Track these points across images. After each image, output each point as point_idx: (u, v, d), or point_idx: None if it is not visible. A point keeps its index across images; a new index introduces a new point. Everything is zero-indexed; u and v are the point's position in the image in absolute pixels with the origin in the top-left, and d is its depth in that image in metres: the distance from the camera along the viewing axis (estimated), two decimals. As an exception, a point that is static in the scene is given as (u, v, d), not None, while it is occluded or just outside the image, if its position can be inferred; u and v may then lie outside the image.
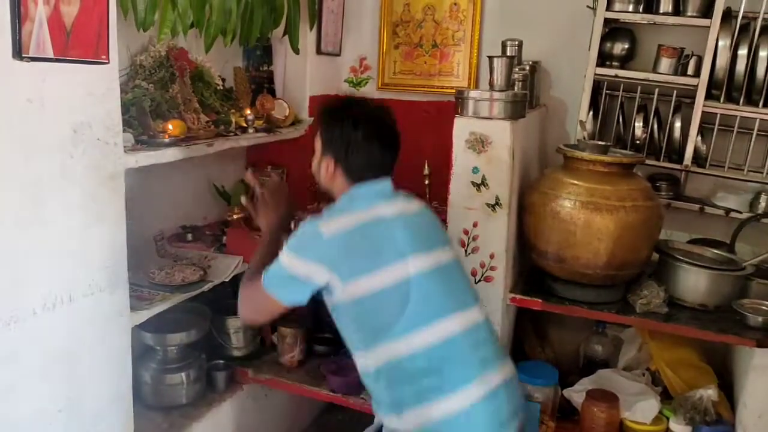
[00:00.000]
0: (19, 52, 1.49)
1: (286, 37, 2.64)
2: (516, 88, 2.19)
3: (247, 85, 2.73)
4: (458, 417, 1.44)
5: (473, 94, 2.05)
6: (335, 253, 1.51)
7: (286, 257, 1.56)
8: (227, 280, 2.33)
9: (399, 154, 1.68)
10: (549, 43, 2.66)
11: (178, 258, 2.44)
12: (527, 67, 2.42)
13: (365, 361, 1.55)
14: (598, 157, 2.02)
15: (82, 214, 1.75)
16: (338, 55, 3.01)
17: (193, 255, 2.46)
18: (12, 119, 1.53)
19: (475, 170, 2.04)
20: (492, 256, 2.07)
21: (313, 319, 2.68)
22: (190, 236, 2.56)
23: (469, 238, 2.08)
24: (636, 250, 2.02)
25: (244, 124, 2.49)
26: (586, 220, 1.96)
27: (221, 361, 2.56)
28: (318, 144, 1.69)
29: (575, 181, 2.02)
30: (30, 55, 1.52)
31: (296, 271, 1.54)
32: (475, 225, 2.07)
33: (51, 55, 1.57)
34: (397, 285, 1.49)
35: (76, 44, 1.63)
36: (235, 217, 2.62)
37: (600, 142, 2.11)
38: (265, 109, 2.64)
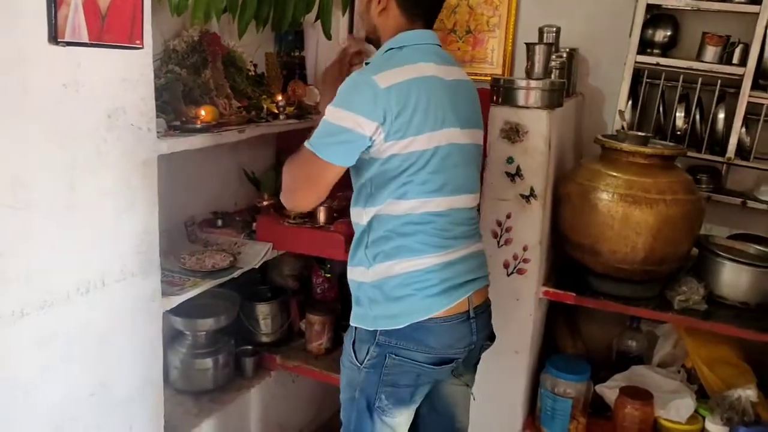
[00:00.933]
0: (54, 36, 1.49)
1: (319, 22, 2.61)
2: (553, 76, 2.14)
3: (278, 70, 2.71)
4: (415, 271, 1.52)
5: (509, 82, 2.00)
6: (390, 107, 1.43)
7: (333, 112, 1.47)
8: (257, 266, 2.33)
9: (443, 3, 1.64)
10: (587, 29, 2.58)
11: (209, 244, 2.45)
12: (564, 55, 2.36)
13: (360, 216, 1.58)
14: (638, 148, 1.96)
15: (115, 200, 1.75)
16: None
17: (224, 241, 2.47)
18: (47, 104, 1.53)
19: (510, 160, 1.99)
20: (525, 249, 2.03)
21: (342, 307, 2.68)
22: (220, 222, 2.57)
23: (501, 230, 2.04)
24: (675, 245, 1.96)
25: (276, 111, 2.47)
26: (625, 213, 1.91)
27: (250, 347, 2.58)
28: None
29: (614, 173, 1.96)
30: (66, 40, 1.52)
31: (345, 125, 1.45)
32: (508, 216, 2.03)
33: (86, 40, 1.57)
34: (424, 152, 1.48)
35: (111, 29, 1.63)
36: (265, 203, 2.61)
37: (640, 133, 2.05)
38: (297, 95, 2.62)
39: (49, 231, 1.58)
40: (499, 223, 2.04)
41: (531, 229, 2.01)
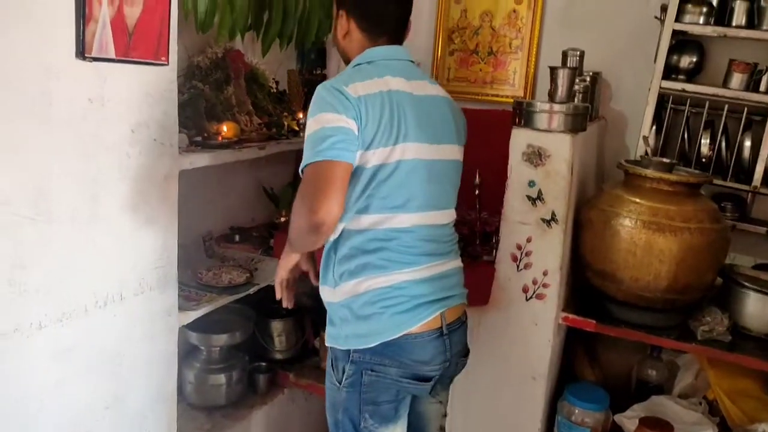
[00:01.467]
0: (82, 52, 1.51)
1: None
2: (576, 99, 2.12)
3: (300, 88, 2.73)
4: (381, 289, 1.48)
5: (533, 105, 1.98)
6: (362, 115, 1.42)
7: (313, 123, 1.42)
8: (273, 283, 2.32)
9: (410, 15, 1.63)
10: (610, 53, 2.57)
11: (226, 259, 2.45)
12: (587, 78, 2.34)
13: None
14: (663, 175, 1.93)
15: (135, 214, 1.76)
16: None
17: (240, 257, 2.47)
18: (73, 118, 1.54)
19: (532, 184, 1.97)
20: (545, 273, 2.00)
21: (357, 327, 2.65)
22: (237, 237, 2.57)
23: (521, 254, 2.02)
24: (700, 274, 1.92)
25: (296, 128, 2.48)
26: (648, 240, 1.88)
27: (263, 364, 2.56)
28: (334, 5, 1.65)
29: (637, 199, 1.94)
30: (93, 56, 1.54)
31: (331, 125, 1.40)
32: (528, 240, 2.00)
33: (113, 56, 1.59)
34: (385, 165, 1.46)
35: (138, 45, 1.64)
36: (282, 220, 2.62)
37: (665, 160, 2.02)
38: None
39: (69, 243, 1.59)
40: (519, 247, 2.02)
41: (551, 253, 1.98)
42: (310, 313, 2.76)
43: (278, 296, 1.73)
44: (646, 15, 2.46)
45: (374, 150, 1.46)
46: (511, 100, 2.76)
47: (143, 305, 1.84)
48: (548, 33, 2.72)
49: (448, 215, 1.63)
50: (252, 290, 2.24)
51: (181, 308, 1.99)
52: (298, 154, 2.78)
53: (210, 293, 2.15)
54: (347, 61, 1.65)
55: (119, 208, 1.71)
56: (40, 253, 1.52)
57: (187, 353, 2.35)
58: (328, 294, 1.60)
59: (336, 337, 1.58)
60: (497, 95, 2.83)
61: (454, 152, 1.64)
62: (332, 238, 1.54)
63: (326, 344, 1.62)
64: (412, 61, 1.66)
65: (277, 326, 2.60)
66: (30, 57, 1.42)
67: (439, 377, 1.59)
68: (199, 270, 2.28)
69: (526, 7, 2.71)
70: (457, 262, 1.67)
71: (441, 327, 1.55)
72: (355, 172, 1.46)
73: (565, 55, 2.32)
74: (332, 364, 1.61)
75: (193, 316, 2.03)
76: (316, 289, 2.78)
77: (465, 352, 1.67)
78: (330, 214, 1.35)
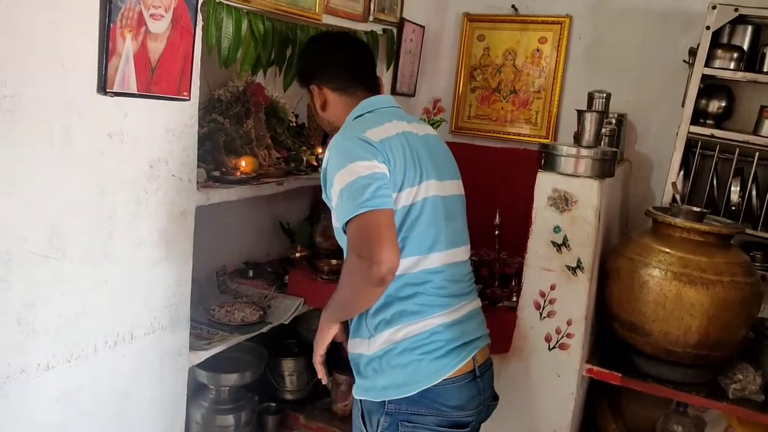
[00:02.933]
0: (104, 87, 1.48)
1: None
2: (602, 143, 2.07)
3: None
4: (419, 335, 1.46)
5: (558, 148, 1.93)
6: (389, 158, 1.41)
7: (342, 175, 1.37)
8: (286, 323, 2.26)
9: (375, 67, 1.68)
10: (636, 95, 2.53)
11: (239, 295, 2.40)
12: (613, 121, 2.29)
13: None
14: (694, 224, 1.87)
15: (150, 251, 1.72)
16: (412, 95, 2.95)
17: (254, 293, 2.41)
18: (92, 153, 1.51)
19: (557, 230, 1.91)
20: (569, 323, 1.93)
21: (370, 368, 2.57)
22: (251, 273, 2.52)
23: (545, 301, 1.95)
24: (732, 329, 1.85)
25: (315, 163, 2.44)
26: (678, 293, 1.81)
27: (273, 404, 2.49)
28: (306, 93, 1.70)
29: (666, 249, 1.87)
30: (114, 90, 1.51)
31: (362, 173, 1.35)
32: (552, 287, 1.94)
33: (134, 91, 1.56)
34: (414, 205, 1.45)
35: (160, 80, 1.62)
36: (297, 255, 2.56)
37: (695, 208, 1.95)
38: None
39: (81, 281, 1.55)
40: (543, 294, 1.95)
41: (576, 302, 1.91)
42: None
43: (320, 376, 1.68)
44: (673, 58, 2.42)
45: (401, 191, 1.45)
46: (533, 140, 2.73)
47: (154, 345, 1.79)
48: (572, 73, 2.69)
49: (466, 251, 1.62)
50: (265, 329, 2.18)
51: (191, 347, 1.93)
52: (315, 190, 2.78)
53: (222, 331, 2.09)
54: (335, 131, 1.60)
55: (134, 245, 1.67)
56: (51, 292, 1.48)
57: (194, 391, 2.28)
58: (361, 346, 1.54)
59: (369, 389, 1.52)
60: (519, 134, 2.79)
61: (459, 187, 1.65)
62: None
63: (356, 396, 1.56)
64: (399, 107, 1.66)
65: (288, 365, 2.53)
66: (51, 91, 1.40)
67: (475, 424, 1.54)
68: (212, 306, 2.22)
69: (550, 47, 2.68)
70: (478, 301, 1.64)
71: (474, 370, 1.51)
72: None
73: (591, 96, 2.27)
74: (364, 418, 1.54)
75: (203, 356, 1.96)
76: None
77: (495, 396, 1.62)
78: (392, 262, 1.32)
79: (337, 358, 2.71)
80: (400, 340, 1.46)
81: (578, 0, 2.63)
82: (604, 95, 2.28)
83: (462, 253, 1.58)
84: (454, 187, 1.60)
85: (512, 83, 2.78)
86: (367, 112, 1.56)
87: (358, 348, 1.54)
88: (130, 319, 1.70)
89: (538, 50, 2.71)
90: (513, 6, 2.73)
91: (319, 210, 2.79)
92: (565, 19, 2.65)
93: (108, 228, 1.59)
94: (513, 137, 2.81)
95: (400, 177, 1.43)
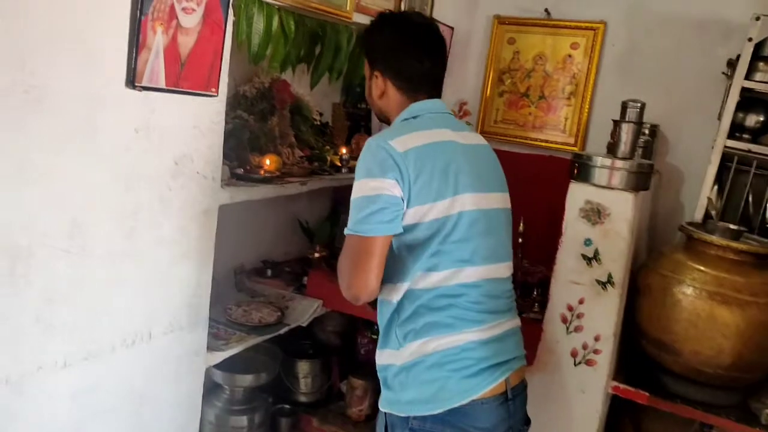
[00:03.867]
0: (132, 80, 1.45)
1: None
2: (636, 154, 2.01)
3: (344, 121, 2.66)
4: (450, 350, 1.41)
5: (593, 159, 1.88)
6: (410, 171, 1.37)
7: (359, 186, 1.40)
8: (304, 325, 2.22)
9: (444, 71, 1.60)
10: (670, 105, 2.47)
11: (256, 294, 2.37)
12: (646, 131, 2.23)
13: (389, 293, 1.46)
14: (731, 243, 1.80)
15: (171, 249, 1.69)
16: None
17: (271, 293, 2.38)
18: (118, 148, 1.48)
19: (588, 242, 1.86)
20: (597, 339, 1.87)
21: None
22: (269, 272, 2.49)
23: (572, 315, 1.90)
24: (766, 352, 1.78)
25: (338, 163, 2.40)
26: (712, 312, 1.75)
27: (287, 406, 2.46)
28: (366, 66, 1.61)
29: (701, 267, 1.81)
30: (143, 85, 1.47)
31: (375, 192, 1.37)
32: (581, 302, 1.88)
33: (163, 86, 1.52)
34: (448, 218, 1.41)
35: (189, 76, 1.58)
36: (316, 255, 2.52)
37: (732, 226, 1.89)
38: (360, 148, 2.54)
39: (101, 279, 1.52)
40: (570, 308, 1.90)
41: (605, 318, 1.86)
42: (339, 354, 2.66)
43: None
44: (710, 68, 2.36)
45: (432, 204, 1.40)
46: (561, 147, 2.68)
47: (171, 345, 1.76)
48: (604, 81, 2.63)
49: (508, 268, 1.56)
50: (282, 331, 2.15)
51: (209, 348, 1.90)
52: (336, 189, 2.74)
53: (239, 332, 2.06)
54: (385, 120, 1.62)
55: (156, 242, 1.63)
56: (70, 289, 1.45)
57: (208, 391, 2.25)
58: (389, 356, 1.49)
59: (394, 402, 1.47)
60: (546, 141, 2.74)
61: (505, 200, 1.59)
62: (395, 298, 1.46)
63: (381, 408, 1.51)
64: (450, 113, 1.62)
65: (303, 367, 2.50)
66: (78, 83, 1.36)
67: None
68: (229, 305, 2.19)
69: (582, 53, 2.62)
70: (517, 321, 1.58)
71: (506, 392, 1.45)
72: (414, 229, 1.40)
73: (625, 106, 2.19)
74: (386, 431, 1.50)
75: (221, 357, 1.94)
76: (346, 328, 2.72)
77: (526, 420, 1.56)
78: (366, 289, 1.39)
79: (354, 361, 2.68)
80: (430, 353, 1.41)
81: (613, 6, 2.56)
82: (639, 105, 2.20)
83: (503, 269, 1.52)
84: (498, 200, 1.54)
85: (541, 89, 2.72)
86: (412, 117, 1.51)
87: (387, 358, 1.50)
88: (148, 318, 1.67)
89: (569, 56, 2.65)
90: (546, 10, 2.67)
91: (339, 210, 2.76)
92: (600, 25, 2.59)
93: (130, 224, 1.56)
94: (540, 144, 2.75)
95: (426, 189, 1.39)
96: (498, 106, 2.82)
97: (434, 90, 1.58)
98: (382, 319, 1.51)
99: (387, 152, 1.38)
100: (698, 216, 2.18)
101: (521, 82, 2.75)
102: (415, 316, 1.43)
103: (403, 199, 1.38)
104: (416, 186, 1.38)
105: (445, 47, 1.61)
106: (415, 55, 1.52)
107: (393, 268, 1.45)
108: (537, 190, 2.53)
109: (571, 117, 2.67)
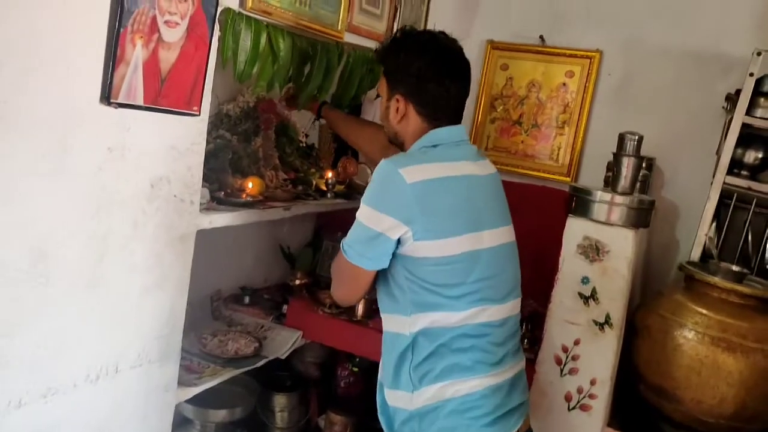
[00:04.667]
0: (107, 97, 1.34)
1: (380, 99, 2.45)
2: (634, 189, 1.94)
3: (330, 144, 2.56)
4: (469, 396, 1.34)
5: (591, 193, 1.80)
6: (415, 205, 1.31)
7: (364, 213, 1.37)
8: (283, 358, 2.10)
9: (467, 95, 1.52)
10: (666, 138, 2.41)
11: (233, 323, 2.25)
12: (643, 164, 2.17)
13: (402, 326, 1.39)
14: (735, 286, 1.73)
15: (144, 277, 1.57)
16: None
17: (249, 322, 2.26)
18: (88, 169, 1.37)
19: (585, 281, 1.78)
20: (593, 383, 1.78)
21: (365, 408, 2.42)
22: (248, 299, 2.37)
23: (567, 357, 1.81)
24: (770, 402, 1.71)
25: (324, 188, 2.29)
26: (715, 359, 1.67)
27: (261, 442, 2.31)
28: (383, 85, 1.52)
29: (703, 310, 1.73)
30: (118, 101, 1.37)
31: (375, 228, 1.34)
32: (576, 343, 1.79)
33: (140, 103, 1.42)
34: (466, 256, 1.35)
35: (169, 93, 1.48)
36: (298, 282, 2.41)
37: (735, 267, 1.82)
38: (348, 173, 2.45)
39: (65, 309, 1.39)
40: (565, 349, 1.81)
41: (602, 360, 1.77)
42: (318, 386, 2.54)
43: None
44: (709, 102, 2.31)
45: (447, 239, 1.33)
46: (554, 177, 2.61)
47: (139, 379, 1.63)
48: (598, 110, 2.57)
49: (518, 305, 1.50)
50: (260, 363, 2.03)
51: (180, 382, 1.78)
52: (320, 215, 2.63)
53: (214, 364, 1.94)
54: (399, 144, 1.53)
55: (127, 270, 1.51)
56: (30, 321, 1.32)
57: (178, 425, 2.11)
58: (399, 399, 1.40)
59: None
60: (538, 170, 2.66)
61: (512, 233, 1.53)
62: (407, 331, 1.37)
63: None
64: (467, 140, 1.54)
65: (280, 400, 2.37)
66: (49, 99, 1.26)
67: None
68: (204, 334, 2.07)
69: (577, 81, 2.57)
70: (523, 362, 1.52)
71: None
72: (427, 262, 1.33)
73: (622, 138, 2.12)
74: None
75: (192, 392, 1.81)
76: (326, 359, 2.60)
77: None
78: (348, 302, 1.60)
79: (333, 395, 2.56)
80: (448, 399, 1.33)
81: (610, 35, 2.51)
82: (637, 137, 2.13)
83: (516, 305, 1.47)
84: (506, 234, 1.48)
85: (534, 116, 2.65)
86: (432, 146, 1.43)
87: (396, 401, 1.39)
88: (116, 351, 1.54)
89: (564, 84, 2.59)
90: (541, 36, 2.61)
91: (322, 235, 2.65)
92: (595, 54, 2.53)
93: (100, 251, 1.43)
94: (532, 173, 2.67)
95: (440, 223, 1.33)
96: (489, 132, 2.74)
97: (456, 116, 1.50)
98: (390, 353, 1.41)
99: (395, 183, 1.32)
100: (696, 254, 2.11)
101: (514, 109, 2.68)
102: (435, 356, 1.34)
103: (403, 238, 1.32)
104: (424, 219, 1.31)
105: (470, 71, 1.51)
106: (442, 80, 1.44)
107: (405, 299, 1.38)
108: (527, 220, 2.43)
109: (564, 146, 2.60)
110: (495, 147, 2.74)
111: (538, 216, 2.53)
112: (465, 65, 1.49)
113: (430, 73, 1.43)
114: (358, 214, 1.38)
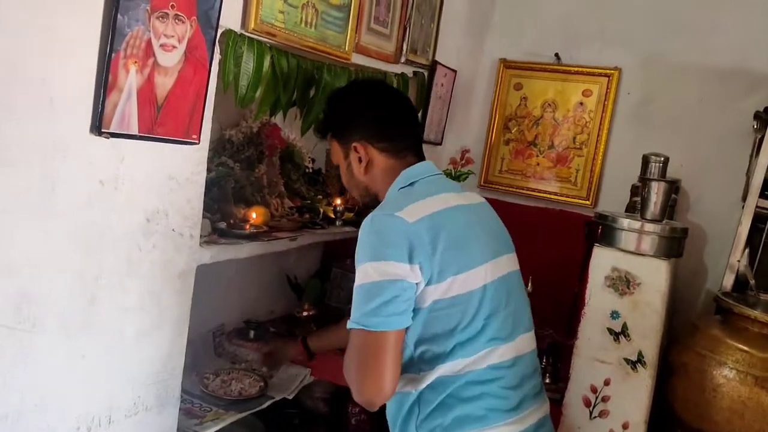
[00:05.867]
0: (98, 126, 1.24)
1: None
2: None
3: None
4: None
5: (619, 221, 1.68)
6: (426, 244, 1.20)
7: (365, 270, 1.21)
8: (290, 398, 1.98)
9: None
10: (690, 160, 2.30)
11: (237, 359, 2.13)
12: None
13: (408, 384, 1.27)
14: (779, 320, 1.61)
15: (140, 318, 1.45)
16: (439, 144, 2.71)
17: (254, 358, 2.13)
18: (78, 204, 1.26)
19: (615, 315, 1.65)
20: (626, 426, 1.65)
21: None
22: (253, 333, 2.24)
23: (596, 398, 1.67)
24: (819, 446, 1.57)
25: (332, 215, 2.19)
26: (759, 401, 1.54)
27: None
28: (336, 149, 1.45)
29: (743, 347, 1.61)
30: (110, 131, 1.26)
31: (386, 278, 1.18)
32: (606, 383, 1.67)
33: (135, 132, 1.31)
34: (474, 292, 1.24)
35: (166, 121, 1.37)
36: (305, 314, 2.29)
37: (776, 299, 1.70)
38: (357, 200, 2.34)
39: (53, 357, 1.28)
40: (594, 390, 1.68)
41: (635, 402, 1.64)
42: (327, 424, 2.40)
43: None
44: (735, 120, 2.20)
45: (452, 278, 1.21)
46: (571, 200, 2.50)
47: (136, 429, 1.51)
48: (618, 131, 2.46)
49: (533, 338, 1.38)
50: (265, 404, 1.91)
51: (180, 428, 1.66)
52: (328, 243, 2.52)
53: (216, 408, 1.82)
54: (372, 201, 1.42)
55: (120, 311, 1.40)
56: (14, 371, 1.21)
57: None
58: None
59: None
60: (555, 193, 2.55)
61: (515, 261, 1.41)
62: (414, 389, 1.26)
63: None
64: (442, 174, 1.45)
65: (286, 443, 2.23)
66: (34, 129, 1.15)
67: None
68: (206, 373, 1.95)
69: (595, 100, 2.46)
70: (547, 406, 1.38)
71: None
72: (436, 309, 1.22)
73: (646, 160, 2.03)
74: None
75: (193, 440, 1.68)
76: (336, 395, 2.47)
77: None
78: (380, 393, 1.19)
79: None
80: None
81: (629, 52, 2.41)
82: (662, 159, 2.04)
83: (528, 340, 1.34)
84: (509, 262, 1.37)
85: (551, 137, 2.54)
86: (408, 185, 1.33)
87: None
88: (109, 399, 1.42)
89: (581, 104, 2.48)
90: (556, 54, 2.51)
91: (331, 264, 2.54)
92: (614, 71, 2.43)
93: (91, 292, 1.32)
94: (548, 196, 2.56)
95: (446, 262, 1.21)
96: (504, 154, 2.63)
97: (419, 149, 1.43)
98: (395, 411, 1.30)
99: (396, 227, 1.20)
100: (727, 283, 1.99)
101: (529, 130, 2.58)
102: (443, 408, 1.23)
103: (418, 284, 1.19)
104: (435, 259, 1.19)
105: (410, 101, 1.49)
106: (389, 109, 1.41)
107: (413, 358, 1.26)
108: (545, 246, 2.34)
109: (583, 169, 2.49)
110: (509, 169, 2.63)
111: (556, 241, 2.42)
112: (404, 96, 1.48)
113: (374, 107, 1.40)
114: (357, 278, 1.22)
